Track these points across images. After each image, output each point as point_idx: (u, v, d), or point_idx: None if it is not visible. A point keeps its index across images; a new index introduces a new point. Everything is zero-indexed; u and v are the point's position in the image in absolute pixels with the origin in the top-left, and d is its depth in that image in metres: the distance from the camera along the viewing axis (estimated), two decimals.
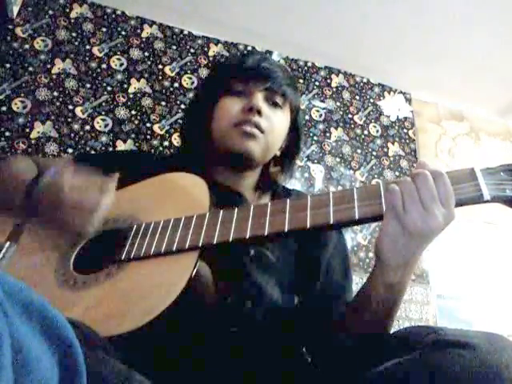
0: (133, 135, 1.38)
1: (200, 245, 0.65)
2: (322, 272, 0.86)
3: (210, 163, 0.95)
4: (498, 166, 0.61)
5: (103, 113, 1.37)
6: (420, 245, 0.60)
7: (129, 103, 1.41)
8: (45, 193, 0.67)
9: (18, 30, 1.37)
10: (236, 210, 0.68)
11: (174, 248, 0.66)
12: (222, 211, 0.69)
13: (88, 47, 1.44)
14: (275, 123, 0.91)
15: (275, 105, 0.93)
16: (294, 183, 1.49)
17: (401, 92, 1.84)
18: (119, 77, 1.44)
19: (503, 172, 0.60)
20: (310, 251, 0.87)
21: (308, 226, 0.62)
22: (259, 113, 0.88)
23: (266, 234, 0.64)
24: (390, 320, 0.68)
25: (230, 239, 0.65)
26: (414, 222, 0.57)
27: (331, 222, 0.61)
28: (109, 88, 1.41)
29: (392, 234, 0.59)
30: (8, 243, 0.72)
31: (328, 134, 1.65)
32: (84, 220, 0.66)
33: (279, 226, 0.64)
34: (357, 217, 0.60)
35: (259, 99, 0.90)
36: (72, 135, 1.31)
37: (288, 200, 0.66)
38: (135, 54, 1.49)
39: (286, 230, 0.63)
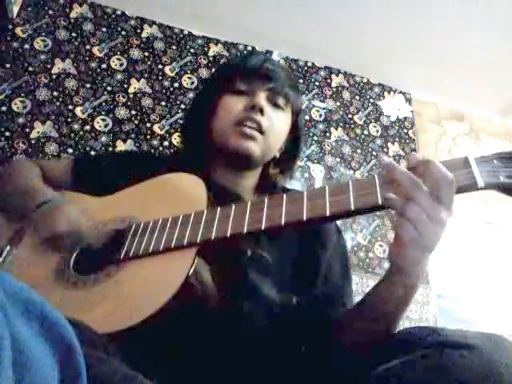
0: (133, 135, 1.38)
1: (198, 241, 0.65)
2: (322, 273, 0.86)
3: (210, 163, 0.95)
4: (492, 154, 0.61)
5: (103, 113, 1.37)
6: (432, 248, 0.61)
7: (129, 103, 1.41)
8: (46, 215, 0.75)
9: (18, 30, 1.37)
10: (233, 206, 0.68)
11: (173, 245, 0.66)
12: (219, 208, 0.69)
13: (88, 47, 1.44)
14: (276, 124, 0.91)
15: (277, 106, 0.93)
16: (293, 183, 1.48)
17: (401, 92, 1.84)
18: (119, 77, 1.44)
19: (496, 159, 0.60)
20: (309, 252, 0.87)
21: (305, 218, 0.62)
22: (261, 111, 0.88)
23: (263, 228, 0.63)
24: (400, 321, 0.69)
25: (228, 235, 0.65)
26: (430, 239, 0.59)
27: (327, 213, 0.61)
28: (109, 88, 1.41)
29: (409, 250, 0.60)
30: (8, 246, 0.74)
31: (328, 134, 1.65)
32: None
33: (276, 219, 0.63)
34: (353, 207, 0.60)
35: (262, 98, 0.90)
36: (72, 135, 1.31)
37: (284, 195, 0.66)
38: (135, 54, 1.49)
39: (283, 223, 0.62)
